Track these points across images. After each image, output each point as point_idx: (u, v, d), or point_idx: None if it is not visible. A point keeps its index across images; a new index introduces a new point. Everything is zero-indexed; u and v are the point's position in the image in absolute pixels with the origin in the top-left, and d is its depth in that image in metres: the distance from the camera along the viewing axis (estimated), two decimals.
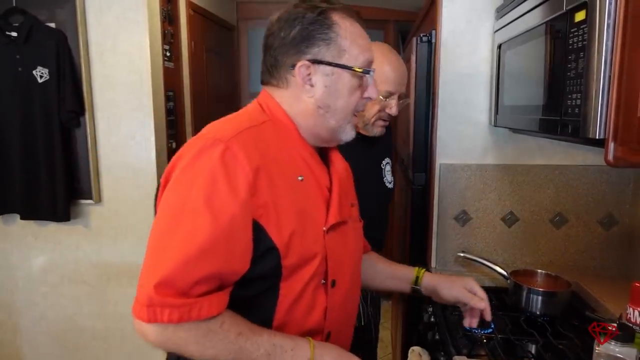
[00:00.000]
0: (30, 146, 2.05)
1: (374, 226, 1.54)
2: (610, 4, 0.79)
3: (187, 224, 0.75)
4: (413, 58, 1.67)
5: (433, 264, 1.74)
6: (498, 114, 1.51)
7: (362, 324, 1.52)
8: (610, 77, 0.81)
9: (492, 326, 1.34)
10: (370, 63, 0.92)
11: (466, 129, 1.64)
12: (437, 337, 1.39)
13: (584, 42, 0.86)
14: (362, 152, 1.52)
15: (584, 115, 0.87)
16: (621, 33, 0.77)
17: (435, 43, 1.62)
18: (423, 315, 1.56)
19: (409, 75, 1.82)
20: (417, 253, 1.77)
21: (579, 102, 0.89)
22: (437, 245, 1.73)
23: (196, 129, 2.59)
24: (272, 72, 0.91)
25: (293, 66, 0.87)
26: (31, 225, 2.23)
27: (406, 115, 1.92)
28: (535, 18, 1.13)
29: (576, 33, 0.89)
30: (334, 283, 0.91)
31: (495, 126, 1.57)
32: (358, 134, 1.48)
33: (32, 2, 1.99)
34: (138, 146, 2.11)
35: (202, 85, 2.67)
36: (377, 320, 1.64)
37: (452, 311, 1.45)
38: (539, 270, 1.50)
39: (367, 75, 0.91)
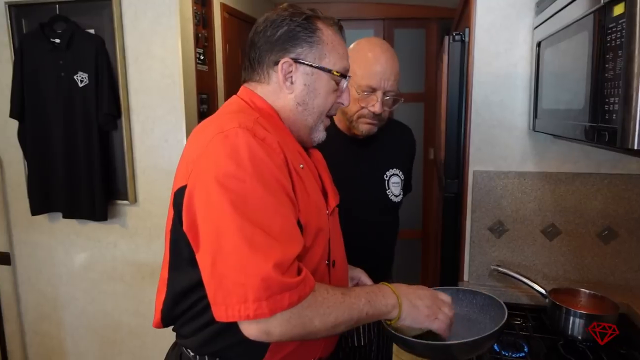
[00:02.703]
0: (72, 148, 2.13)
1: (374, 239, 1.46)
2: None
3: (260, 213, 0.77)
4: (445, 58, 1.57)
5: (466, 278, 1.63)
6: (537, 117, 1.38)
7: (362, 343, 1.44)
8: None
9: (526, 350, 1.23)
10: (346, 71, 0.98)
11: (502, 133, 1.52)
12: None
13: (622, 39, 0.75)
14: (358, 157, 1.45)
15: (621, 123, 0.76)
16: None
17: (469, 41, 1.51)
18: None
19: (441, 76, 1.72)
20: (448, 265, 1.67)
21: (616, 107, 0.78)
22: (470, 257, 1.62)
23: None
24: (255, 68, 0.96)
25: (276, 63, 0.92)
26: (73, 224, 2.32)
27: (437, 120, 1.82)
28: (575, 12, 1.01)
29: (614, 29, 0.78)
30: (334, 263, 0.99)
31: (534, 131, 1.44)
32: (353, 138, 1.43)
33: (74, 9, 2.07)
34: (171, 148, 2.14)
35: (238, 87, 2.68)
36: (380, 342, 1.52)
37: None
38: (583, 290, 1.37)
39: (343, 81, 0.97)
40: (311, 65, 0.93)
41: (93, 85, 2.06)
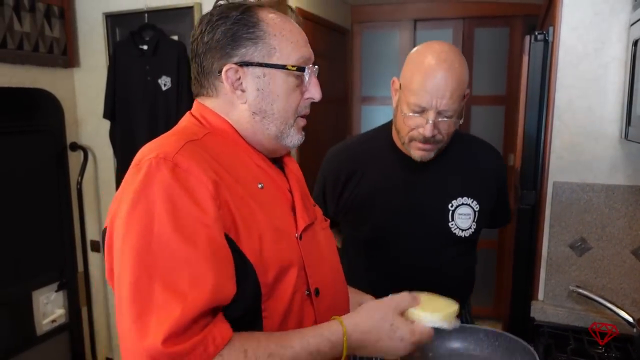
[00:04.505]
0: None
1: (432, 275, 1.24)
2: None
3: (163, 261, 0.67)
4: (525, 59, 1.46)
5: (540, 297, 1.51)
6: (630, 125, 1.24)
7: None
8: None
9: None
10: (307, 60, 0.84)
11: (588, 142, 1.39)
12: None
13: None
14: (415, 182, 1.27)
15: None
16: None
17: (553, 41, 1.39)
18: None
19: (519, 78, 1.60)
20: (521, 282, 1.56)
21: None
22: (547, 275, 1.49)
23: (305, 135, 2.62)
24: (201, 80, 0.84)
25: (220, 72, 0.80)
26: None
27: (514, 126, 1.70)
28: None
29: None
30: (317, 292, 0.85)
31: (627, 140, 1.29)
32: (413, 160, 1.21)
33: (160, 17, 2.21)
34: None
35: None
36: None
37: None
38: None
39: (306, 73, 0.83)
40: (260, 65, 0.80)
41: (174, 88, 2.19)
